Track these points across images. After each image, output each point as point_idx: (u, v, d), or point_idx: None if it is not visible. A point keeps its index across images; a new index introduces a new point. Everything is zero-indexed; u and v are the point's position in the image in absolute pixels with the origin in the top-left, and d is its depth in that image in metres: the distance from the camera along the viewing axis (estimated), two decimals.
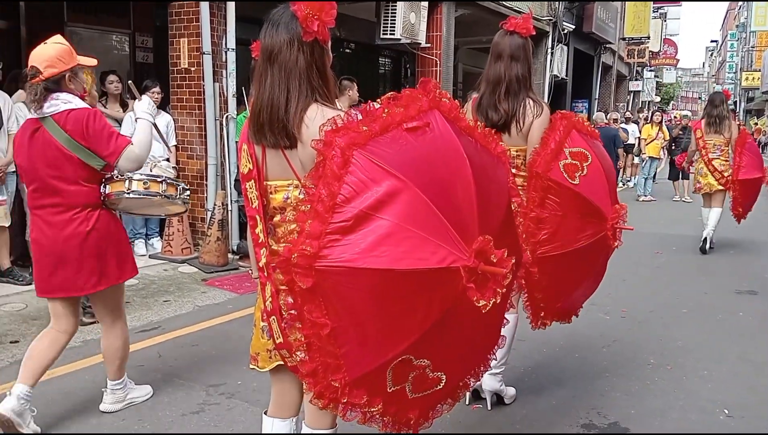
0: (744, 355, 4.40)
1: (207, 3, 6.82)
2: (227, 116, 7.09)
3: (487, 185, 1.99)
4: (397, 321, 1.78)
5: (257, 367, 2.20)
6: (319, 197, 1.71)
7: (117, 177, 3.20)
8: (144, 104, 3.29)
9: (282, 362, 2.06)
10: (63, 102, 3.01)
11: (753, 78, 41.27)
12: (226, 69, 7.08)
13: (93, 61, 3.26)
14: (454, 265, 1.75)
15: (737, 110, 55.03)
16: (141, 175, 3.26)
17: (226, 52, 7.04)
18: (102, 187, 3.16)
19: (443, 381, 1.95)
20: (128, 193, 3.22)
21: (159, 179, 3.37)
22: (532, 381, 3.91)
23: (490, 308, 1.83)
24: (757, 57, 43.36)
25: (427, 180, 1.78)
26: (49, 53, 3.03)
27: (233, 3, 7.01)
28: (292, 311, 1.80)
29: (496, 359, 3.28)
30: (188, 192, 3.58)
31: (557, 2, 14.19)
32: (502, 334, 2.29)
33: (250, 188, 2.04)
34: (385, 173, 1.73)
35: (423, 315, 1.79)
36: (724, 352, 4.44)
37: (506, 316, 2.30)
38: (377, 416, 1.89)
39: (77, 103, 3.06)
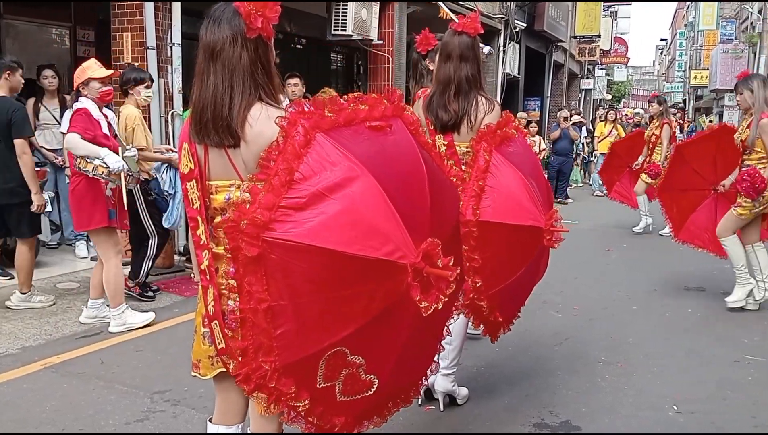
0: (692, 350, 4.45)
1: None
2: (172, 113, 6.91)
3: (440, 197, 2.02)
4: (337, 307, 1.76)
5: (199, 374, 2.15)
6: (276, 172, 1.71)
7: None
8: (113, 161, 4.42)
9: (224, 369, 2.01)
10: None
11: (701, 76, 42.34)
12: (171, 64, 6.89)
13: None
14: (401, 261, 1.74)
15: (686, 108, 56.47)
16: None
17: (171, 47, 6.86)
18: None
19: (374, 386, 1.92)
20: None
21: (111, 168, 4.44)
22: (485, 380, 3.88)
23: (431, 318, 1.81)
24: (705, 56, 44.49)
25: (384, 174, 1.79)
26: None
27: None
28: (231, 281, 1.77)
29: (446, 360, 3.31)
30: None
31: (509, 1, 14.29)
32: (452, 332, 2.27)
33: (191, 188, 2.00)
34: (345, 159, 1.74)
35: (364, 306, 1.77)
36: (673, 348, 4.48)
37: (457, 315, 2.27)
38: (302, 414, 1.84)
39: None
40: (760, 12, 30.74)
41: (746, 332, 4.80)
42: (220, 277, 1.96)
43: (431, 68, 3.77)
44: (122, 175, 4.54)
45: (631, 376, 3.98)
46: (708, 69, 41.11)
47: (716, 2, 39.54)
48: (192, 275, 2.27)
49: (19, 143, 4.89)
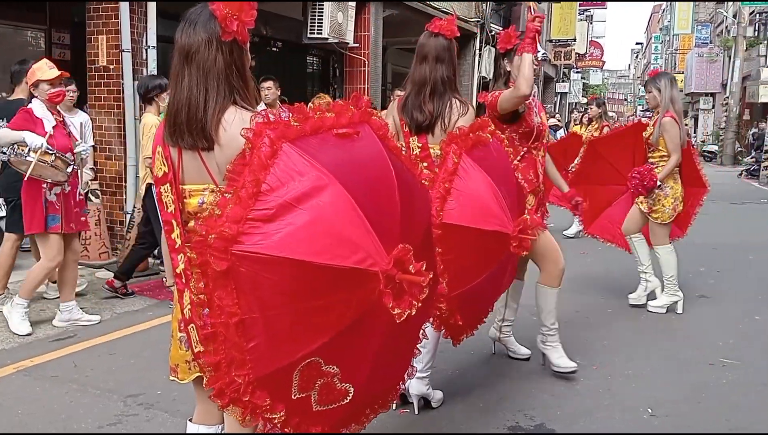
0: (667, 353, 4.49)
1: None
2: None
3: (411, 202, 2.01)
4: (309, 318, 1.75)
5: (177, 378, 2.15)
6: (243, 184, 1.70)
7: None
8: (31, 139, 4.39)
9: (203, 372, 1.98)
10: None
11: (677, 80, 42.87)
12: (147, 67, 6.86)
13: None
14: (372, 269, 1.74)
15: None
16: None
17: (146, 50, 6.84)
18: None
19: (350, 395, 1.91)
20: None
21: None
22: (460, 384, 3.89)
23: (405, 323, 1.81)
24: (680, 60, 45.12)
25: (353, 182, 1.79)
26: None
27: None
28: (201, 296, 1.76)
29: (421, 364, 3.32)
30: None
31: (485, 4, 14.36)
32: (427, 336, 2.26)
33: (165, 192, 1.99)
34: (312, 168, 1.74)
35: (337, 316, 1.77)
36: (648, 351, 4.52)
37: None
38: (278, 425, 1.83)
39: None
40: (734, 16, 31.25)
41: (722, 335, 4.85)
42: (193, 284, 1.94)
43: (508, 69, 3.81)
44: (39, 153, 4.41)
45: (606, 379, 4.01)
46: (683, 72, 41.66)
47: (691, 4, 40.00)
48: (164, 279, 2.26)
49: None
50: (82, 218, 4.91)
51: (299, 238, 1.68)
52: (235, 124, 1.86)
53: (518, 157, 3.76)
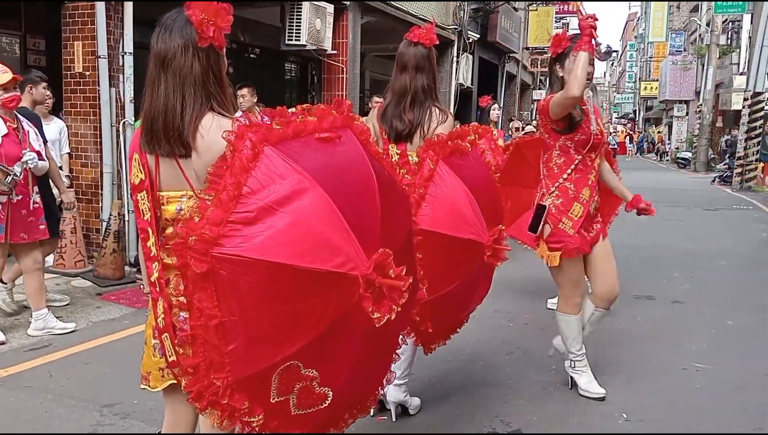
0: (642, 358, 4.55)
1: (103, 4, 6.53)
2: (124, 122, 6.80)
3: (391, 207, 2.02)
4: (289, 321, 1.75)
5: (149, 386, 2.13)
6: (224, 186, 1.70)
7: None
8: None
9: (175, 381, 2.00)
10: None
11: (651, 87, 43.51)
12: (123, 73, 6.79)
13: None
14: (352, 272, 1.75)
15: (636, 119, 57.64)
16: None
17: (123, 56, 6.76)
18: None
19: (329, 398, 1.91)
20: None
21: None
22: (437, 390, 3.91)
23: (385, 328, 1.82)
24: (654, 67, 45.73)
25: (334, 186, 1.79)
26: None
27: (131, 5, 6.73)
28: (182, 298, 1.76)
29: (399, 371, 3.33)
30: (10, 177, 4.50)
31: (462, 11, 14.46)
32: (406, 342, 2.25)
33: (142, 199, 1.98)
34: (294, 171, 1.74)
35: (316, 319, 1.77)
36: (622, 357, 4.57)
37: None
38: (256, 428, 1.82)
39: None
40: (708, 24, 31.79)
41: (694, 341, 4.92)
42: (170, 289, 1.95)
43: (560, 74, 3.62)
44: None
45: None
46: (658, 80, 42.29)
47: (666, 12, 40.56)
48: (142, 287, 2.26)
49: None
50: (41, 226, 4.78)
51: (280, 242, 1.68)
52: (212, 131, 1.85)
53: (571, 167, 3.67)
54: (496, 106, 8.35)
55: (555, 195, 3.69)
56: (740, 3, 23.55)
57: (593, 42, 3.33)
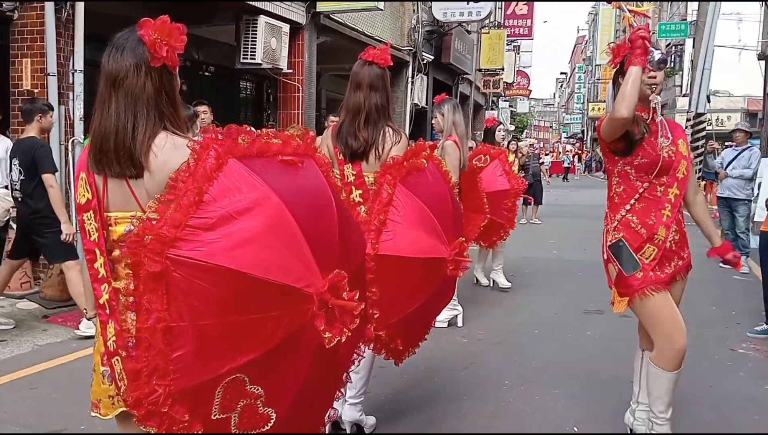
0: (592, 372, 4.63)
1: (53, 21, 6.42)
2: (73, 141, 6.68)
3: (348, 237, 2.04)
4: (240, 331, 1.72)
5: (99, 414, 2.07)
6: (185, 192, 1.69)
7: None
8: None
9: (126, 408, 1.91)
10: None
11: (599, 108, 44.73)
12: (73, 91, 6.67)
13: None
14: (307, 289, 1.76)
15: (585, 138, 58.94)
16: None
17: (73, 74, 6.65)
18: None
19: (272, 421, 1.86)
20: None
21: None
22: (393, 407, 3.92)
23: (334, 353, 1.82)
24: (602, 89, 47.11)
25: (295, 204, 1.81)
26: None
27: (82, 23, 6.62)
28: (131, 299, 1.72)
29: (353, 389, 3.33)
30: None
31: (416, 33, 14.66)
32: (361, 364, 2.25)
33: (89, 220, 1.95)
34: (257, 184, 1.75)
35: (268, 333, 1.75)
36: (574, 371, 4.65)
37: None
38: None
39: None
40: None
41: None
42: (121, 312, 1.90)
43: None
44: None
45: (534, 399, 4.11)
46: (605, 101, 43.44)
47: (612, 35, 41.84)
48: (84, 311, 2.19)
49: (46, 177, 5.21)
50: None
51: (237, 250, 1.67)
52: (166, 150, 1.84)
53: (634, 198, 3.15)
54: (501, 127, 7.96)
55: (615, 228, 3.19)
56: (682, 28, 24.48)
57: (648, 53, 2.98)
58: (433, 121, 5.57)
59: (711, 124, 15.53)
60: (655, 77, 3.08)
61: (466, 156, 5.23)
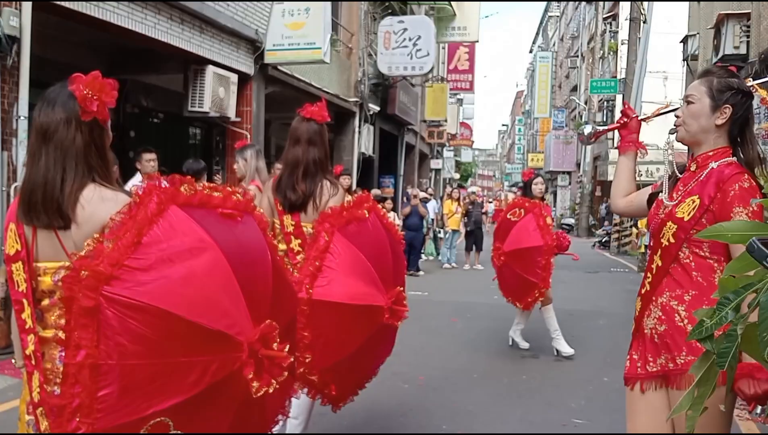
0: (524, 416, 4.79)
1: None
2: (15, 186, 6.61)
3: (280, 293, 2.09)
4: (168, 374, 1.72)
5: None
6: (125, 232, 1.72)
7: None
8: None
9: None
10: None
11: (538, 159, 46.07)
12: (17, 137, 6.64)
13: None
14: (238, 337, 1.79)
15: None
16: None
17: (17, 120, 6.62)
18: None
19: None
20: None
21: None
22: None
23: (260, 405, 1.84)
24: (540, 140, 48.71)
25: (232, 253, 1.84)
26: None
27: (27, 69, 6.63)
28: (61, 334, 1.69)
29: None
30: None
31: (363, 86, 15.04)
32: (299, 407, 2.24)
33: (17, 270, 1.96)
34: (196, 231, 1.79)
35: (195, 377, 1.75)
36: (508, 414, 4.80)
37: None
38: None
39: None
40: (586, 103, 34.33)
41: (574, 397, 5.22)
42: (46, 362, 1.90)
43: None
44: None
45: None
46: (543, 152, 44.92)
47: (549, 88, 43.51)
48: (14, 361, 2.21)
49: None
50: None
51: (172, 291, 1.69)
52: (93, 202, 1.88)
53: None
54: (539, 179, 7.10)
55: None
56: (612, 85, 25.78)
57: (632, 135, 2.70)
58: (234, 166, 5.52)
59: (641, 175, 16.30)
60: (682, 114, 2.46)
61: (272, 200, 4.77)
